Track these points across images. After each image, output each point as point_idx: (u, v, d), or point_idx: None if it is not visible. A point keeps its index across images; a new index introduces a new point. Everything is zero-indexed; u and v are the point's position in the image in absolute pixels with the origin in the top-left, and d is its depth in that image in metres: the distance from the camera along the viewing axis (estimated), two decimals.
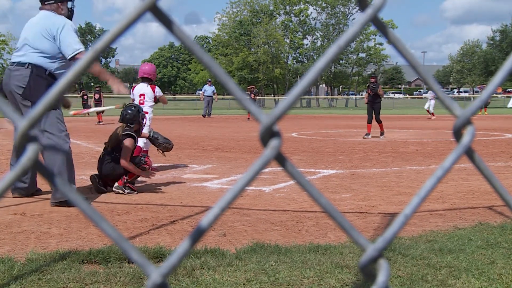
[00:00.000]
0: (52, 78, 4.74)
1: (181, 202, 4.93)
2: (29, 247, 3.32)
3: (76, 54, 4.72)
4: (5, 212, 4.40)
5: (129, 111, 5.60)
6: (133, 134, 5.52)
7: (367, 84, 13.11)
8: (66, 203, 4.57)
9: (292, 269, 2.81)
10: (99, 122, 19.50)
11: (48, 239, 3.57)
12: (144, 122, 5.80)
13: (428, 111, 23.93)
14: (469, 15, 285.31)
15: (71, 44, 4.70)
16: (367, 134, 12.48)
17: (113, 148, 5.45)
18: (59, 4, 4.92)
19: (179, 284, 2.60)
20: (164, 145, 5.95)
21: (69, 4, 5.04)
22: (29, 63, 4.69)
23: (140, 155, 5.76)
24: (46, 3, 4.90)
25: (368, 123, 12.52)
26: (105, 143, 5.64)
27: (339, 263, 2.89)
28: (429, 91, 24.95)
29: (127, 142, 5.43)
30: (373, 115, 12.37)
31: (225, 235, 3.69)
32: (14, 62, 4.78)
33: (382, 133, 12.53)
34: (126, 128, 5.53)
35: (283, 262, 2.93)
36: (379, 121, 12.36)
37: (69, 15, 4.98)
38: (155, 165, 7.09)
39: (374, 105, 12.37)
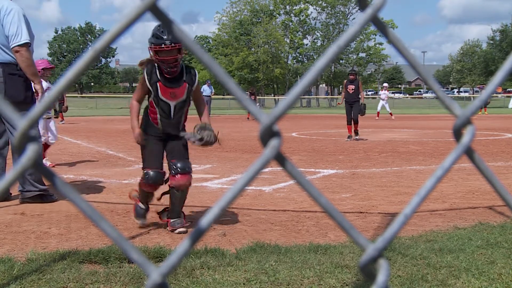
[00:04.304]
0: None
1: None
2: (29, 247, 3.32)
3: (18, 46, 4.31)
4: (5, 212, 4.40)
5: None
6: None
7: (345, 81, 12.22)
8: (39, 198, 4.66)
9: (292, 269, 2.81)
10: (62, 121, 19.33)
11: (48, 239, 3.57)
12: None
13: (391, 113, 23.59)
14: (467, 14, 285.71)
15: (17, 34, 4.29)
16: (349, 137, 11.77)
17: None
18: None
19: (179, 284, 2.60)
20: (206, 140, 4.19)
21: None
22: None
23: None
24: None
25: (348, 124, 11.82)
26: None
27: (339, 263, 2.89)
28: (382, 92, 23.98)
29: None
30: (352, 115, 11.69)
31: (225, 235, 3.69)
32: None
33: (356, 132, 11.78)
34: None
35: (283, 262, 2.93)
36: (356, 121, 11.73)
37: None
38: None
39: (354, 104, 11.67)
